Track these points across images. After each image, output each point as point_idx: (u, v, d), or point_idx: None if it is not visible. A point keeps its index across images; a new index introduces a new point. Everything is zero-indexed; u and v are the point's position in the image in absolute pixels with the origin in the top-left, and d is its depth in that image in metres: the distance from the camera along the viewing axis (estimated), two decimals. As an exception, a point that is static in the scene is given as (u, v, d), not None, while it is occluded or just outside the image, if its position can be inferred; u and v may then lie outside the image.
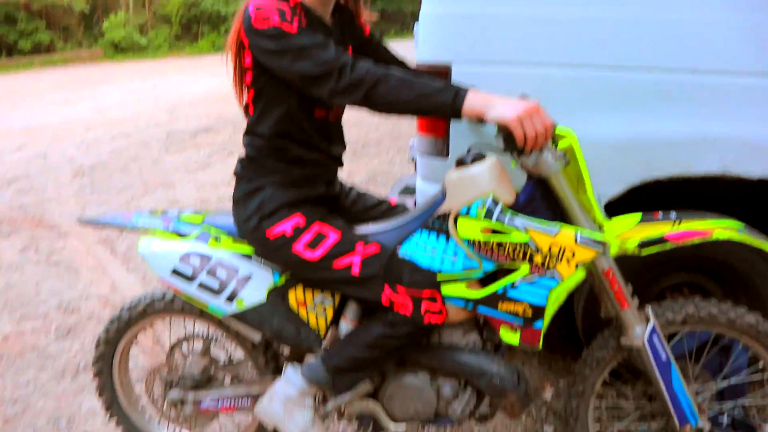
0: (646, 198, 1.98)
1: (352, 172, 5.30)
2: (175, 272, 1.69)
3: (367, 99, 1.34)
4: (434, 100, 1.31)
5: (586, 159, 1.79)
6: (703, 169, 1.80)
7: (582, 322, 2.11)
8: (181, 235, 1.75)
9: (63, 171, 5.89)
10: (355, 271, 1.49)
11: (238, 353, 1.96)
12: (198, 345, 1.95)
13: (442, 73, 1.92)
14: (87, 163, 6.08)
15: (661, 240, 1.47)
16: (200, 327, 1.98)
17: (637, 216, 1.54)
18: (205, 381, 1.90)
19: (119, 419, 2.06)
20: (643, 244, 1.48)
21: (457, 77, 1.88)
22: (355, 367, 1.56)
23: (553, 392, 2.27)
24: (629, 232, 1.50)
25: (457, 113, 1.31)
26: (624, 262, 1.90)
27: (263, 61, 1.44)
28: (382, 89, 1.32)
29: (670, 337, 1.71)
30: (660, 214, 1.55)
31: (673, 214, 1.53)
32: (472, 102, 1.30)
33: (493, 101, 1.30)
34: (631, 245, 1.48)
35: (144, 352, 2.73)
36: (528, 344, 1.50)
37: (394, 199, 1.85)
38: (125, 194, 5.11)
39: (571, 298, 2.16)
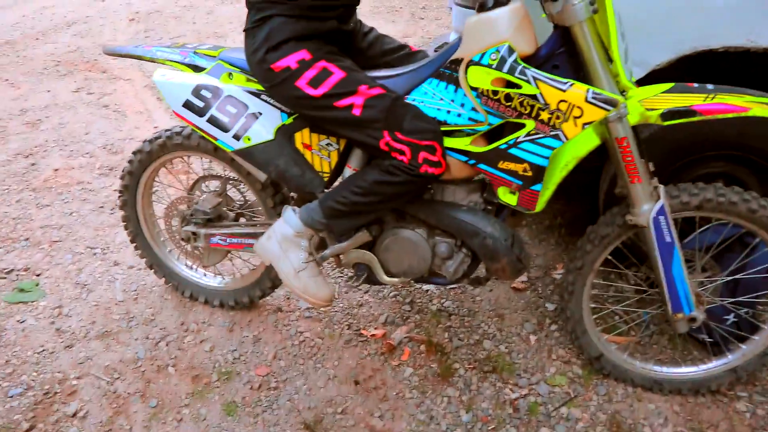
0: (697, 74, 1.79)
1: (408, 35, 5.06)
2: (187, 104, 1.70)
3: None
4: None
5: (632, 18, 1.62)
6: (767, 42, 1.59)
7: (604, 203, 2.02)
8: (196, 68, 1.74)
9: (119, 16, 5.90)
10: (356, 112, 1.45)
11: (252, 196, 2.01)
12: (215, 184, 2.01)
13: None
14: (143, 9, 6.05)
15: (689, 111, 1.34)
16: (219, 167, 2.02)
17: (667, 84, 1.39)
18: (216, 218, 1.97)
19: (143, 251, 2.20)
20: (668, 114, 1.35)
21: None
22: (350, 212, 1.56)
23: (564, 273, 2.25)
24: (654, 100, 1.37)
25: None
26: (655, 142, 1.78)
27: None
28: None
29: (698, 226, 1.62)
30: (695, 85, 1.39)
31: (709, 86, 1.38)
32: None
33: None
34: (654, 113, 1.36)
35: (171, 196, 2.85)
36: (525, 207, 1.46)
37: (415, 47, 1.75)
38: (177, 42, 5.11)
39: (597, 178, 2.07)
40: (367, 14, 5.57)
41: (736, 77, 1.75)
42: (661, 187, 1.46)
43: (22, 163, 3.28)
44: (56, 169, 3.22)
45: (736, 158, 1.85)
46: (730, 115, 1.33)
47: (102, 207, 2.86)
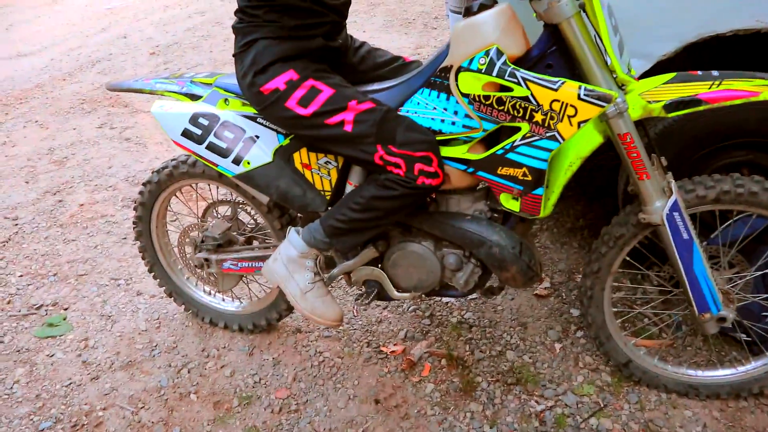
0: (707, 61, 1.71)
1: (421, 45, 5.04)
2: (185, 133, 1.71)
3: None
4: None
5: (632, 8, 1.57)
6: (776, 22, 1.50)
7: (623, 201, 1.94)
8: (193, 96, 1.75)
9: (141, 51, 6.05)
10: (348, 128, 1.42)
11: (262, 219, 2.00)
12: (226, 209, 2.02)
13: None
14: (163, 42, 6.19)
15: (694, 101, 1.27)
16: (226, 192, 2.03)
17: (669, 75, 1.33)
18: (227, 243, 1.97)
19: (161, 280, 2.22)
20: (672, 105, 1.28)
21: None
22: (350, 229, 1.53)
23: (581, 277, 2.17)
24: (656, 92, 1.30)
25: None
26: (671, 134, 1.70)
27: None
28: None
29: (722, 219, 1.53)
30: (699, 73, 1.32)
31: (715, 73, 1.30)
32: None
33: None
34: (657, 105, 1.29)
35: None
36: (529, 212, 1.40)
37: (409, 57, 1.72)
38: (194, 72, 5.20)
39: (616, 175, 1.99)
40: (380, 28, 5.57)
41: (746, 62, 1.67)
42: (674, 182, 1.38)
43: (50, 201, 3.36)
44: (81, 204, 3.29)
45: (760, 145, 1.75)
46: (738, 102, 1.26)
47: (125, 238, 2.90)
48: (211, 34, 6.20)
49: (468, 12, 1.35)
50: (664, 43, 1.63)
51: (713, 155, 1.81)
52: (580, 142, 1.37)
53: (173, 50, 5.92)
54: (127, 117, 4.41)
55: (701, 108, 1.27)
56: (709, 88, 1.27)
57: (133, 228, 2.14)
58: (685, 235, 1.38)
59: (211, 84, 1.75)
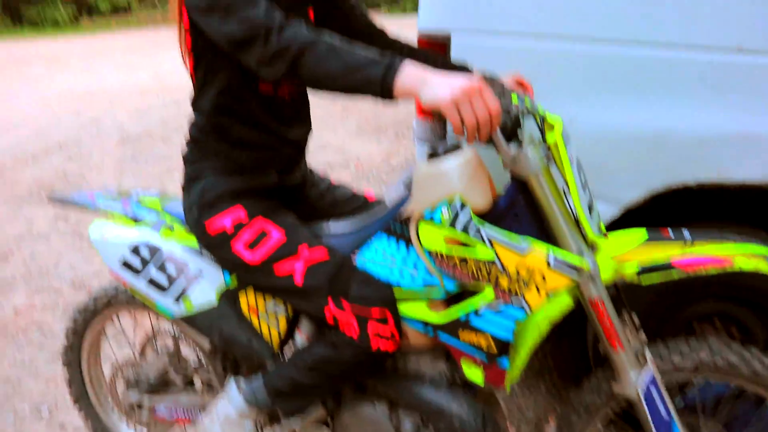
0: (673, 208, 1.67)
1: (391, 154, 5.06)
2: (124, 263, 1.55)
3: (294, 71, 1.08)
4: (364, 75, 1.05)
5: (599, 155, 1.53)
6: (740, 175, 1.48)
7: (593, 351, 1.83)
8: (138, 221, 1.61)
9: (111, 138, 5.98)
10: (298, 279, 1.29)
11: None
12: (168, 343, 1.82)
13: (441, 46, 1.69)
14: (135, 130, 6.16)
15: (667, 266, 1.18)
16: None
17: (641, 233, 1.25)
18: (162, 385, 1.77)
19: (87, 414, 1.98)
20: (645, 270, 1.19)
21: (456, 50, 1.68)
22: (296, 391, 1.37)
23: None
24: (628, 254, 1.21)
25: (388, 92, 1.05)
26: (638, 288, 1.61)
27: (196, 20, 1.21)
28: (309, 59, 1.07)
29: (682, 385, 1.42)
30: (670, 231, 1.25)
31: (686, 233, 1.23)
32: (405, 79, 1.04)
33: (428, 78, 1.04)
34: (630, 271, 1.20)
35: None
36: (492, 384, 1.26)
37: (372, 194, 1.62)
38: (162, 165, 5.11)
39: (584, 320, 1.88)
40: (352, 132, 5.62)
41: (714, 212, 1.63)
42: (647, 350, 1.27)
43: (-17, 302, 3.12)
44: (17, 310, 3.05)
45: (730, 296, 1.68)
46: (712, 270, 1.17)
47: (59, 355, 2.65)
48: (183, 127, 6.18)
49: (432, 155, 1.26)
50: (630, 190, 1.59)
51: (682, 306, 1.73)
52: (549, 305, 1.26)
53: (143, 140, 5.86)
54: (84, 211, 4.23)
55: (674, 276, 1.18)
56: (682, 252, 1.19)
57: (62, 355, 1.92)
58: (664, 414, 1.25)
59: (157, 208, 1.62)
